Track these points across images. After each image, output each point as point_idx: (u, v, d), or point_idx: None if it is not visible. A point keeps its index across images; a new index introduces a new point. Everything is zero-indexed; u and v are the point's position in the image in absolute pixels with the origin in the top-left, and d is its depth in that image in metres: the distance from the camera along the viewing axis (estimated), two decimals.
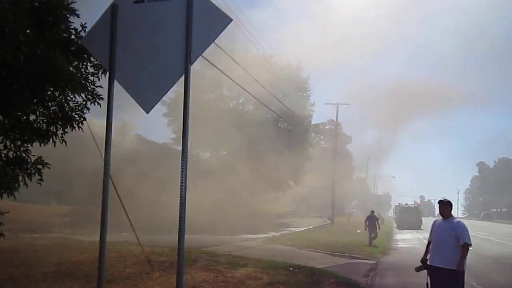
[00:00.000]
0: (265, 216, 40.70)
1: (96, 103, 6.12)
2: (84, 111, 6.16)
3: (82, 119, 6.07)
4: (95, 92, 6.01)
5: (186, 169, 3.43)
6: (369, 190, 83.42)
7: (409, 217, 43.59)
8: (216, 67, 24.32)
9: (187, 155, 3.47)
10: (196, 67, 37.95)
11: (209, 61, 17.73)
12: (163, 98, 3.88)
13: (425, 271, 6.31)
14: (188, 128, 3.47)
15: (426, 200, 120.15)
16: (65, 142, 6.22)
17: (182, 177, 3.38)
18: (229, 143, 35.12)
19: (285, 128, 41.34)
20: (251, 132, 35.37)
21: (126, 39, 3.74)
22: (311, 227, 29.61)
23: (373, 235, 20.68)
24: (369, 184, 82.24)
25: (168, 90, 3.70)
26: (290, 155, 41.61)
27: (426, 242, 6.62)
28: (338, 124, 51.85)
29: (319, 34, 59.30)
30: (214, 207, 34.34)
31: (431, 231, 6.42)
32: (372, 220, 21.22)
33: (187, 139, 3.49)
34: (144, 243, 13.10)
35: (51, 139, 5.99)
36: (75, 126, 6.07)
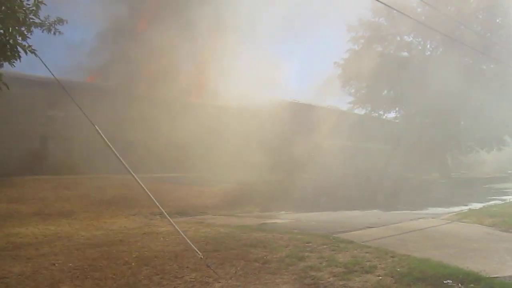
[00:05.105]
0: (470, 182, 33.12)
1: None
2: None
3: None
4: None
5: None
6: None
7: None
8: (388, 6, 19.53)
9: None
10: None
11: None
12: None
13: None
14: None
15: None
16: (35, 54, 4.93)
17: None
18: (409, 100, 29.35)
19: (491, 69, 32.23)
20: (441, 83, 28.56)
21: None
22: None
23: None
24: None
25: None
26: (502, 103, 32.56)
27: None
28: None
29: None
30: (402, 173, 29.45)
31: None
32: None
33: None
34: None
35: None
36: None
